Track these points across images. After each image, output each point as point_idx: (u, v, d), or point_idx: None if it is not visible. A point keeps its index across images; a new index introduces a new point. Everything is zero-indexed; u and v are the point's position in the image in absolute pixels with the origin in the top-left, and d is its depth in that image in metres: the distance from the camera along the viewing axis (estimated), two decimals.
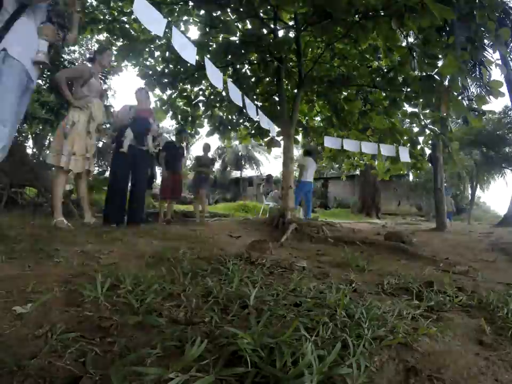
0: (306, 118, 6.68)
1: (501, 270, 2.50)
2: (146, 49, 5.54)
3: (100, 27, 5.37)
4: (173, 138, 5.67)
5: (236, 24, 4.76)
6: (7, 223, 2.52)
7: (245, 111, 3.79)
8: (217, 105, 6.26)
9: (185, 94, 6.07)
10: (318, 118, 6.97)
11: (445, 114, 4.39)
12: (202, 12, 5.00)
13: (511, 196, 9.09)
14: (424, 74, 4.20)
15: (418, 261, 2.75)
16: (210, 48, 5.13)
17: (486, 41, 4.59)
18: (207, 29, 5.10)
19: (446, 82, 3.96)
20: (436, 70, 4.08)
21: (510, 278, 2.14)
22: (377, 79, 5.11)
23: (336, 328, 0.99)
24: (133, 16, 5.31)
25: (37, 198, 4.63)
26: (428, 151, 6.36)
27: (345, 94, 5.85)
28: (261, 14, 4.69)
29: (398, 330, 1.01)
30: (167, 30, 2.55)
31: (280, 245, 3.10)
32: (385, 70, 5.06)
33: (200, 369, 0.72)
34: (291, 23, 5.12)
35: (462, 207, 18.99)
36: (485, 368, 0.89)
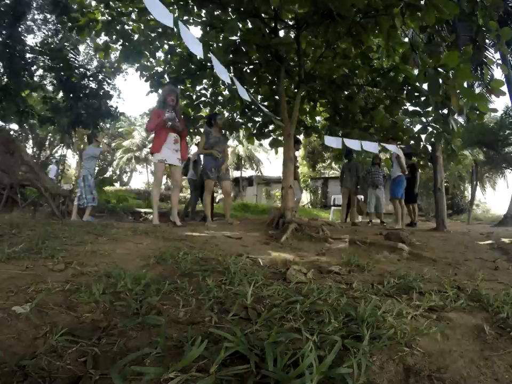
0: (308, 117, 6.67)
1: (501, 270, 2.49)
2: (148, 50, 5.54)
3: (99, 28, 5.36)
4: None
5: (236, 23, 4.75)
6: (7, 223, 2.52)
7: (246, 111, 3.79)
8: (219, 105, 6.25)
9: (186, 94, 6.06)
10: (319, 118, 6.96)
11: (454, 106, 4.30)
12: (203, 11, 4.99)
13: (511, 195, 9.08)
14: (428, 68, 4.15)
15: (418, 261, 2.75)
16: (211, 48, 5.12)
17: (487, 41, 4.57)
18: (208, 29, 5.09)
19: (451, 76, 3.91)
20: (440, 62, 4.03)
21: (510, 278, 2.14)
22: (378, 78, 5.10)
23: (336, 328, 0.99)
24: (132, 17, 5.31)
25: (37, 198, 4.62)
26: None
27: (347, 93, 5.84)
28: (262, 14, 4.68)
29: (398, 330, 1.01)
30: (168, 31, 2.55)
31: (280, 245, 3.09)
32: (386, 70, 5.06)
33: (200, 369, 0.72)
34: (292, 22, 5.11)
35: (462, 207, 18.97)
36: (485, 368, 0.89)
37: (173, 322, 0.99)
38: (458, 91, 3.71)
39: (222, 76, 2.94)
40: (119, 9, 5.23)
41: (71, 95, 8.29)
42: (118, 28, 5.27)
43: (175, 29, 2.56)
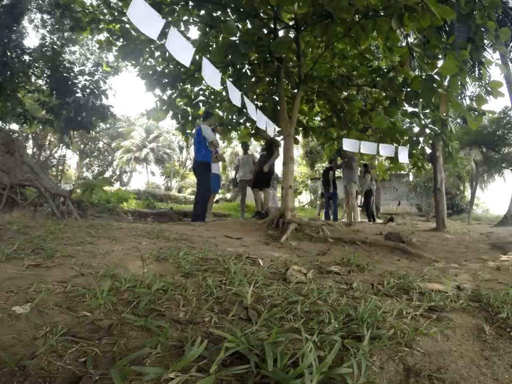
0: (306, 118, 6.68)
1: (501, 270, 2.50)
2: (147, 49, 5.55)
3: (100, 27, 5.38)
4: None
5: (236, 24, 4.75)
6: (7, 223, 2.52)
7: (245, 110, 3.79)
8: (218, 105, 6.26)
9: (185, 94, 6.07)
10: (317, 118, 6.97)
11: (444, 114, 4.39)
12: (202, 12, 5.00)
13: (511, 195, 9.09)
14: (424, 74, 4.20)
15: (418, 261, 2.75)
16: (210, 48, 5.13)
17: (485, 41, 4.59)
18: (207, 29, 5.10)
19: (446, 83, 3.96)
20: (436, 70, 4.08)
21: (510, 278, 2.14)
22: (377, 79, 5.11)
23: (336, 328, 0.99)
24: None
25: (37, 198, 4.62)
26: (428, 151, 6.36)
27: (345, 93, 5.85)
28: (261, 14, 4.69)
29: (398, 330, 1.01)
30: (167, 30, 2.54)
31: (280, 245, 3.09)
32: (385, 70, 5.07)
33: (200, 369, 0.72)
34: (291, 23, 5.11)
35: (462, 207, 18.99)
36: (485, 368, 0.89)
37: (173, 322, 0.99)
38: (449, 103, 3.76)
39: (212, 83, 2.92)
40: (119, 9, 5.25)
41: (66, 97, 8.33)
42: (118, 26, 5.28)
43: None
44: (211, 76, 2.91)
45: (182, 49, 2.52)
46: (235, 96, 3.31)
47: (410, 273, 1.93)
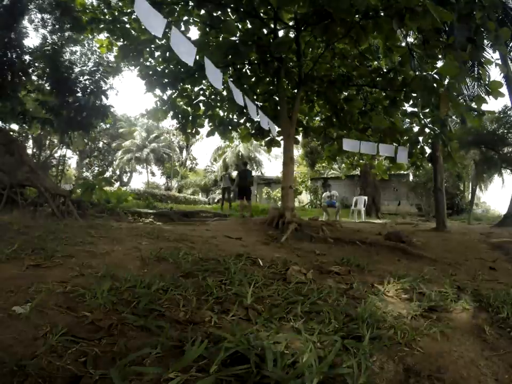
0: (306, 118, 6.68)
1: (501, 270, 2.50)
2: (147, 49, 5.54)
3: (100, 27, 5.37)
4: None
5: (236, 24, 4.75)
6: (7, 223, 2.52)
7: (245, 111, 3.79)
8: (218, 105, 6.26)
9: (185, 93, 6.07)
10: (317, 118, 6.97)
11: (443, 115, 4.39)
12: (202, 12, 5.00)
13: (511, 195, 9.08)
14: (424, 74, 4.19)
15: (418, 261, 2.75)
16: (210, 48, 5.13)
17: (485, 41, 4.58)
18: (208, 29, 5.10)
19: (446, 83, 3.96)
20: (436, 70, 4.08)
21: (510, 278, 2.14)
22: (377, 79, 5.11)
23: (336, 328, 0.99)
24: (133, 16, 5.31)
25: (37, 198, 4.61)
26: (428, 151, 6.36)
27: (346, 93, 5.85)
28: (261, 14, 4.69)
29: (398, 330, 1.01)
30: (167, 30, 2.54)
31: (280, 245, 3.09)
32: (385, 70, 5.07)
33: (200, 369, 0.72)
34: (291, 23, 5.11)
35: (462, 207, 18.98)
36: (485, 368, 0.89)
37: (173, 322, 0.99)
38: (450, 103, 3.76)
39: (215, 82, 2.93)
40: (120, 9, 5.24)
41: (67, 97, 8.33)
42: (119, 26, 5.28)
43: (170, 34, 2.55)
44: (214, 75, 2.91)
45: (185, 48, 2.53)
46: (239, 96, 3.31)
47: (410, 273, 1.93)
